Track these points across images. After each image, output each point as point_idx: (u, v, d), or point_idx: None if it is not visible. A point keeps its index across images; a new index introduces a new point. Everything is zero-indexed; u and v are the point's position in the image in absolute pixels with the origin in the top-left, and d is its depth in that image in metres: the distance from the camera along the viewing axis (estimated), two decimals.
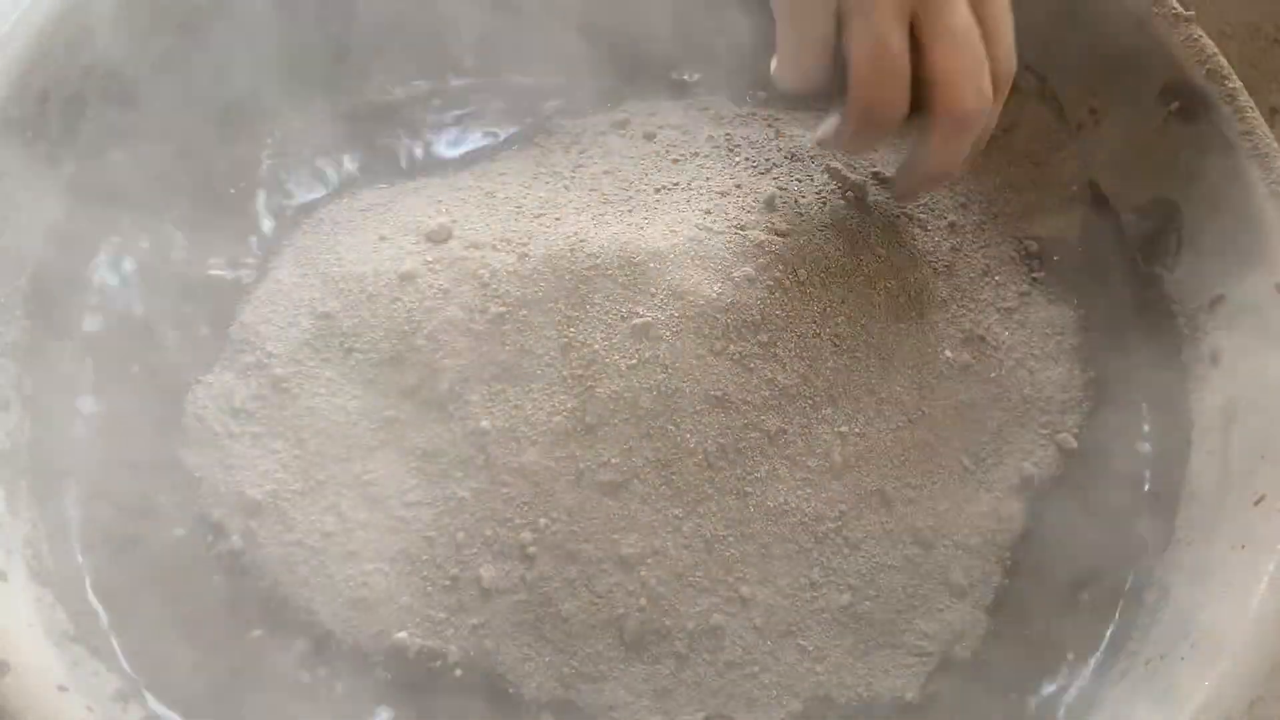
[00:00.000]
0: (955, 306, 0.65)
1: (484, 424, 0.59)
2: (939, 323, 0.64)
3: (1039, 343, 0.66)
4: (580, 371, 0.59)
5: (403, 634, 0.57)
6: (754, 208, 0.64)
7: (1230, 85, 0.65)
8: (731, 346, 0.59)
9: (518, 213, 0.65)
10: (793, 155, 0.68)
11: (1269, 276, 0.61)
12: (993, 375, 0.64)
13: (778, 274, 0.60)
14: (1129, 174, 0.69)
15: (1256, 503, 0.57)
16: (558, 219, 0.64)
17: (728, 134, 0.69)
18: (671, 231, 0.62)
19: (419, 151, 0.71)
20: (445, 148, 0.72)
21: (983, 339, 0.64)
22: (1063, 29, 0.71)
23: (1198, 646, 0.54)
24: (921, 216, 0.67)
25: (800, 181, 0.66)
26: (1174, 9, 0.67)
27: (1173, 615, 0.58)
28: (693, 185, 0.65)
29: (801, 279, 0.61)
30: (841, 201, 0.65)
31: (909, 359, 0.62)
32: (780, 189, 0.65)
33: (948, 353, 0.63)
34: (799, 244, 0.62)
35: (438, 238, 0.64)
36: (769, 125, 0.71)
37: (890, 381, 0.62)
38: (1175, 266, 0.67)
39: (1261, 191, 0.63)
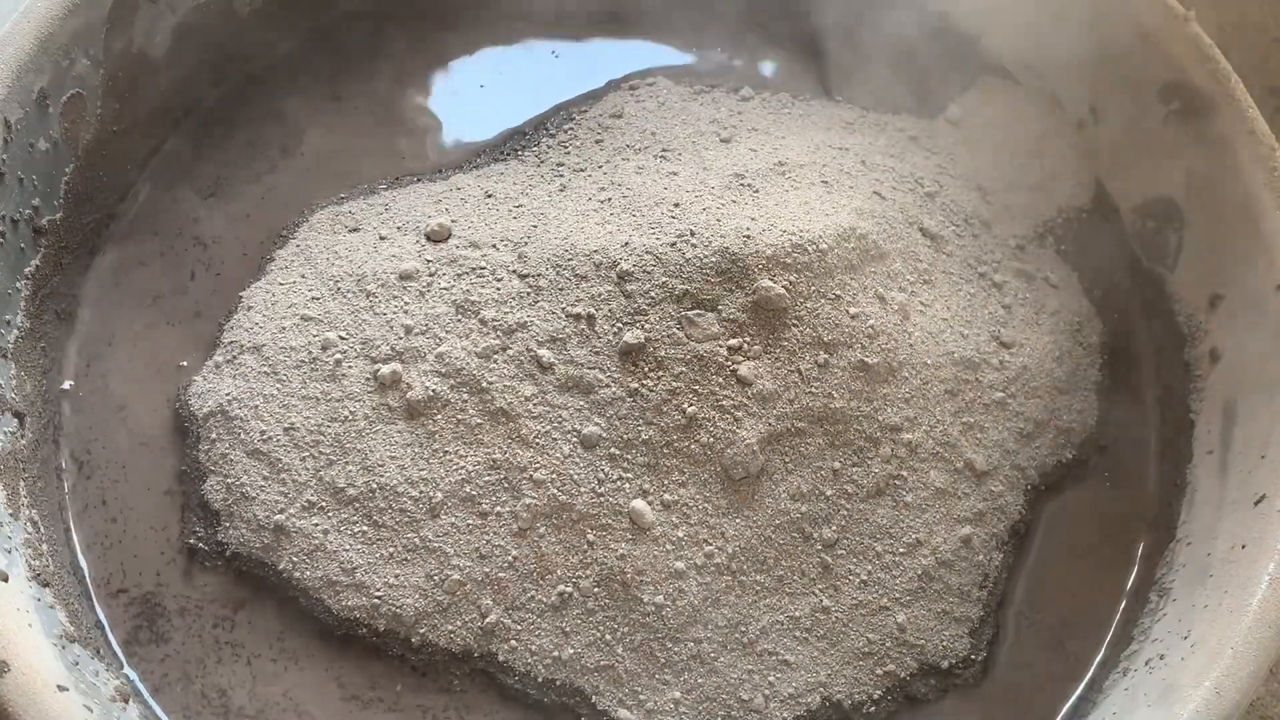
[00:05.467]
0: (958, 307, 0.65)
1: (466, 434, 0.59)
2: (938, 324, 0.64)
3: (1041, 342, 0.66)
4: (577, 374, 0.59)
5: (408, 629, 0.57)
6: (763, 192, 0.63)
7: (1230, 85, 0.65)
8: (733, 353, 0.59)
9: (517, 212, 0.65)
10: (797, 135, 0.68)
11: (1269, 276, 0.61)
12: (996, 375, 0.64)
13: (781, 272, 0.60)
14: (1129, 173, 0.69)
15: (1256, 503, 0.57)
16: (556, 219, 0.64)
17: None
18: (671, 228, 0.61)
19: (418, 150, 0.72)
20: (443, 147, 0.72)
21: (989, 339, 0.64)
22: (1063, 29, 0.71)
23: (1198, 646, 0.54)
24: (928, 223, 0.67)
25: (811, 176, 0.66)
26: (1174, 9, 0.67)
27: (1173, 615, 0.58)
28: (689, 175, 0.65)
29: (807, 278, 0.61)
30: (856, 205, 0.65)
31: (910, 363, 0.62)
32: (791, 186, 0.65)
33: (951, 354, 0.63)
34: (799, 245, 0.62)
35: (437, 237, 0.64)
36: (770, 113, 0.71)
37: (896, 386, 0.61)
38: (1175, 266, 0.67)
39: (1262, 191, 0.63)
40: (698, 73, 0.75)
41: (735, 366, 0.59)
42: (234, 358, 0.63)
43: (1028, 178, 0.71)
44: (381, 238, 0.65)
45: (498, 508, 0.58)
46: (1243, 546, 0.56)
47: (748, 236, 0.60)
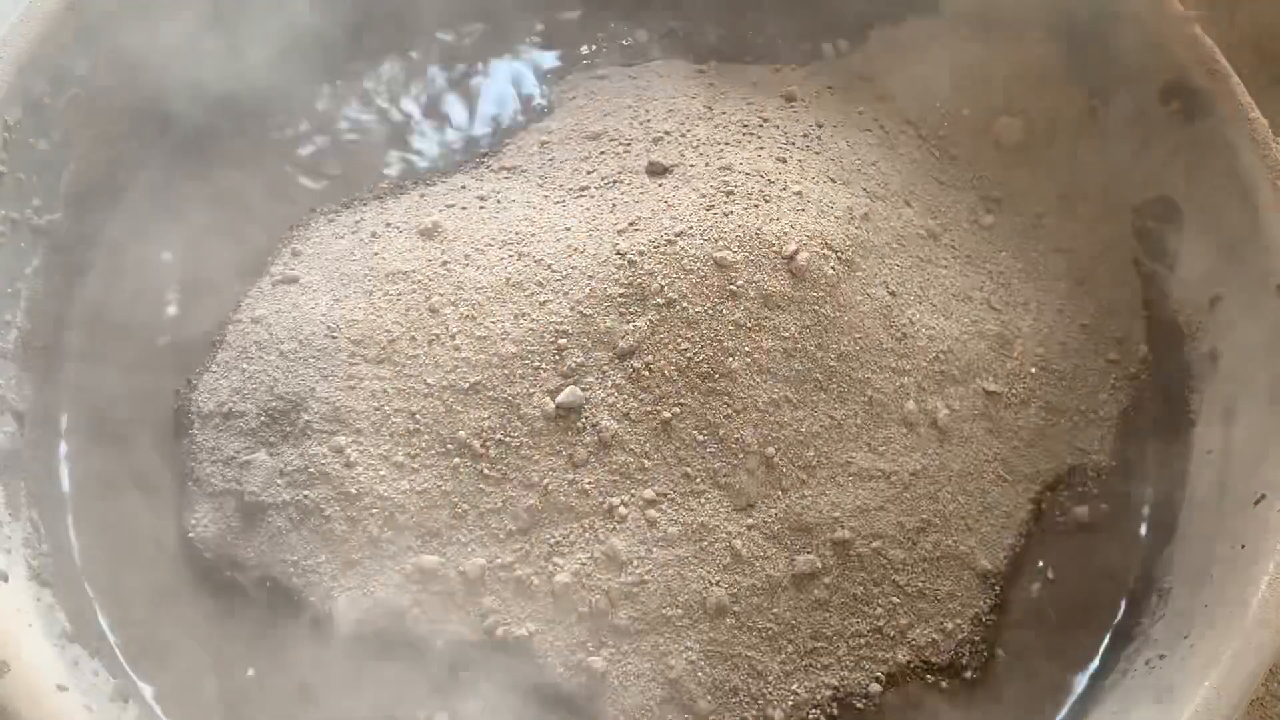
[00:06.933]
0: (958, 307, 0.65)
1: (461, 434, 0.59)
2: (937, 323, 0.64)
3: (1041, 341, 0.66)
4: (564, 383, 0.59)
5: (414, 625, 0.57)
6: (754, 190, 0.63)
7: (1230, 85, 0.65)
8: (732, 360, 0.59)
9: (512, 211, 0.65)
10: (808, 134, 0.68)
11: (1269, 276, 0.61)
12: (994, 380, 0.64)
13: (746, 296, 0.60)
14: (1129, 174, 0.69)
15: (1256, 503, 0.57)
16: (551, 218, 0.64)
17: (724, 112, 0.69)
18: (666, 231, 0.61)
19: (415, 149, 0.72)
20: (439, 145, 0.72)
21: (988, 341, 0.64)
22: (1063, 29, 0.71)
23: (1198, 646, 0.54)
24: (929, 225, 0.67)
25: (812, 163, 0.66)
26: (1174, 9, 0.67)
27: (1173, 615, 0.58)
28: (683, 169, 0.65)
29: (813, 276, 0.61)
30: (849, 203, 0.65)
31: (909, 361, 0.62)
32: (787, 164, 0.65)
33: (950, 354, 0.63)
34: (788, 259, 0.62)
35: (431, 235, 0.64)
36: (785, 102, 0.71)
37: (903, 394, 0.62)
38: (1175, 266, 0.67)
39: (1262, 191, 0.63)
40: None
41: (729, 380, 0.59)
42: (235, 358, 0.63)
43: (1029, 181, 0.71)
44: (374, 235, 0.65)
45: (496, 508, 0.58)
46: (1242, 546, 0.56)
47: (755, 234, 0.60)
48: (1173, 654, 0.56)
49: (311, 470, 0.59)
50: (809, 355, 0.60)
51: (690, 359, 0.59)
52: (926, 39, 0.75)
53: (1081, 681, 0.60)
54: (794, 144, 0.67)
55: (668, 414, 0.59)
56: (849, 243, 0.62)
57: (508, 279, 0.62)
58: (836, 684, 0.58)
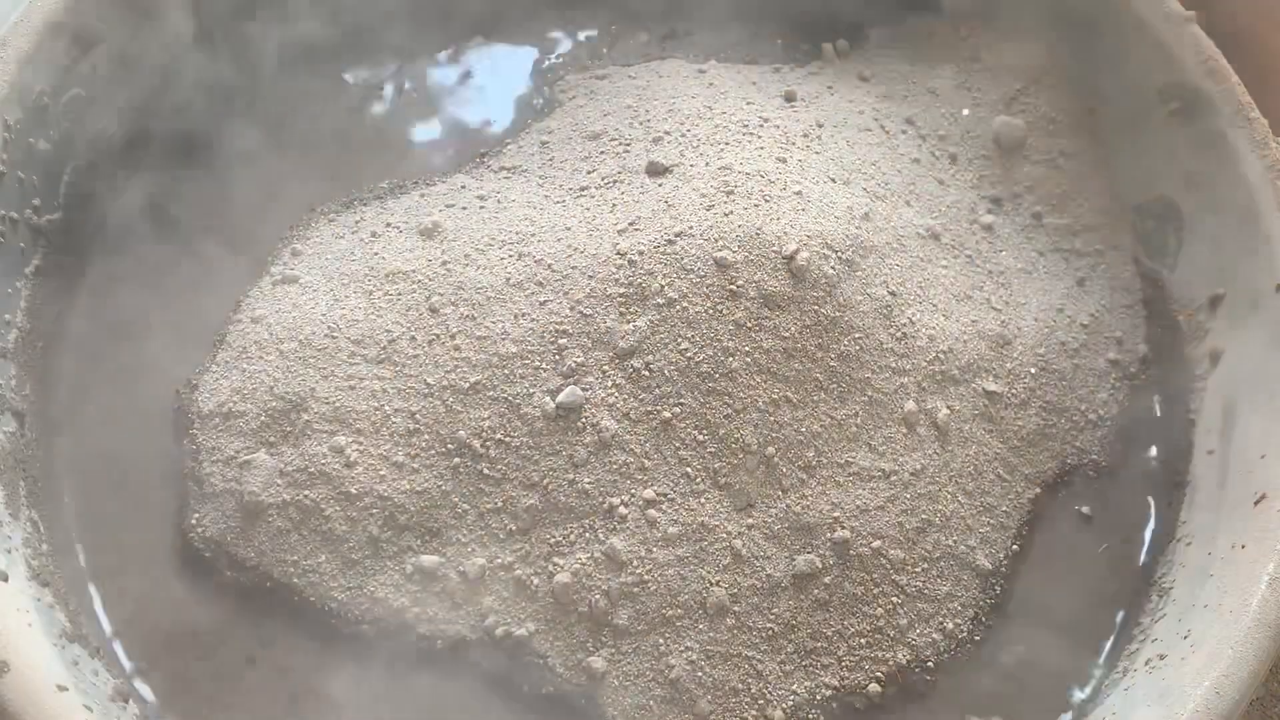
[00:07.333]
0: (958, 308, 0.65)
1: (461, 434, 0.59)
2: (937, 322, 0.64)
3: (1041, 339, 0.66)
4: (564, 383, 0.59)
5: (413, 625, 0.57)
6: (754, 190, 0.63)
7: (1230, 85, 0.65)
8: (732, 360, 0.59)
9: (512, 211, 0.65)
10: (808, 134, 0.68)
11: (1269, 276, 0.62)
12: (995, 379, 0.64)
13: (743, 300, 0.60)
14: (1129, 174, 0.70)
15: (1256, 503, 0.57)
16: (551, 218, 0.64)
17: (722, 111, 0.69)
18: (666, 230, 0.61)
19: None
20: (439, 145, 0.72)
21: (989, 341, 0.65)
22: (1063, 29, 0.72)
23: (1198, 646, 0.54)
24: (929, 225, 0.67)
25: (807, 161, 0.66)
26: (1174, 9, 0.67)
27: (1173, 615, 0.58)
28: (683, 169, 0.65)
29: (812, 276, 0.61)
30: (850, 203, 0.65)
31: (907, 362, 0.62)
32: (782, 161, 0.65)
33: (951, 354, 0.63)
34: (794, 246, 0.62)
35: (431, 235, 0.64)
36: (785, 101, 0.71)
37: (903, 394, 0.62)
38: (1175, 266, 0.67)
39: (1262, 191, 0.63)
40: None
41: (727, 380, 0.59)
42: (235, 358, 0.63)
43: (1031, 181, 0.71)
44: (374, 235, 0.65)
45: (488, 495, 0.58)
46: (1243, 546, 0.56)
47: (756, 234, 0.60)
48: (1173, 654, 0.56)
49: (311, 470, 0.59)
50: (809, 355, 0.60)
51: (690, 359, 0.59)
52: (926, 38, 0.75)
53: (1081, 681, 0.60)
54: (794, 144, 0.67)
55: (668, 414, 0.59)
56: (849, 243, 0.62)
57: (508, 279, 0.62)
58: (836, 684, 0.58)
